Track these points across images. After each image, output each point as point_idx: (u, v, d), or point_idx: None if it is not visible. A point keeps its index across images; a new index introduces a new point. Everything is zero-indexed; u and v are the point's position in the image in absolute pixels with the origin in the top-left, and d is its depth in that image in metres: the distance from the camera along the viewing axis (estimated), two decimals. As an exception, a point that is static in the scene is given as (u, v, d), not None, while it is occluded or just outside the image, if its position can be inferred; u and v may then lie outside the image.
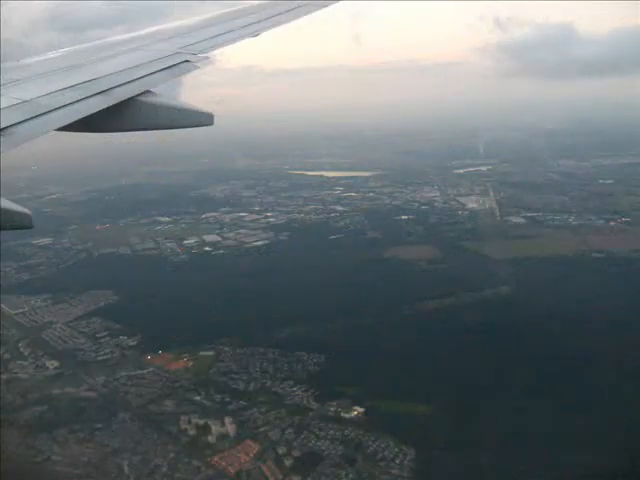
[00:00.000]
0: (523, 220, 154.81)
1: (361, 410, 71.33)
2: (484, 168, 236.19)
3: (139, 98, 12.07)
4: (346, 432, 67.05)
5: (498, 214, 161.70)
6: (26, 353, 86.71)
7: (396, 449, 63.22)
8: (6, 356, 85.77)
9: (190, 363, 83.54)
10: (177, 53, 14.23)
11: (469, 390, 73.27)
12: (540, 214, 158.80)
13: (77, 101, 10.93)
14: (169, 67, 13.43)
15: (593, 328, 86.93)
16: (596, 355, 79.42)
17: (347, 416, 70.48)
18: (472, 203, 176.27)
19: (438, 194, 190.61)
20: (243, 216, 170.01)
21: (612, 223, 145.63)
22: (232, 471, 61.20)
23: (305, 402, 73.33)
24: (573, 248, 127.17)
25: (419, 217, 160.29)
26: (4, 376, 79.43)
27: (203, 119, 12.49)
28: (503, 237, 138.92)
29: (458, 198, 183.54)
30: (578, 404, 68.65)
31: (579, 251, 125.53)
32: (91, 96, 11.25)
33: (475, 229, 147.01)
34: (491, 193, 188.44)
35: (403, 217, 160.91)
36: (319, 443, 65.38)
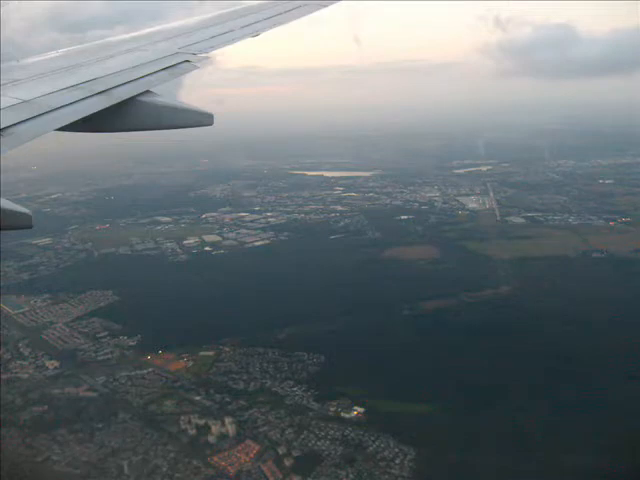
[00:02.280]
0: (523, 220, 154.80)
1: (361, 410, 71.39)
2: (484, 168, 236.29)
3: (139, 98, 12.07)
4: (346, 432, 67.09)
5: (498, 214, 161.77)
6: (26, 353, 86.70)
7: (396, 449, 63.24)
8: (6, 356, 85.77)
9: (190, 363, 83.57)
10: (177, 53, 14.23)
11: (469, 390, 73.33)
12: (540, 214, 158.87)
13: (77, 101, 10.93)
14: (169, 67, 13.42)
15: (593, 328, 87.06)
16: (596, 355, 79.50)
17: (347, 416, 70.53)
18: (472, 203, 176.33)
19: (438, 194, 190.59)
20: (243, 216, 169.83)
21: (612, 223, 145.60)
22: (232, 471, 61.22)
23: (305, 402, 73.38)
24: (573, 248, 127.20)
25: (419, 217, 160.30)
26: (4, 376, 79.43)
27: (203, 119, 12.49)
28: (503, 237, 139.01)
29: (458, 198, 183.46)
30: (578, 404, 68.69)
31: (579, 251, 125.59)
32: (91, 96, 11.25)
33: (475, 229, 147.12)
34: (491, 193, 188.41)
35: (403, 217, 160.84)
36: (319, 443, 65.42)
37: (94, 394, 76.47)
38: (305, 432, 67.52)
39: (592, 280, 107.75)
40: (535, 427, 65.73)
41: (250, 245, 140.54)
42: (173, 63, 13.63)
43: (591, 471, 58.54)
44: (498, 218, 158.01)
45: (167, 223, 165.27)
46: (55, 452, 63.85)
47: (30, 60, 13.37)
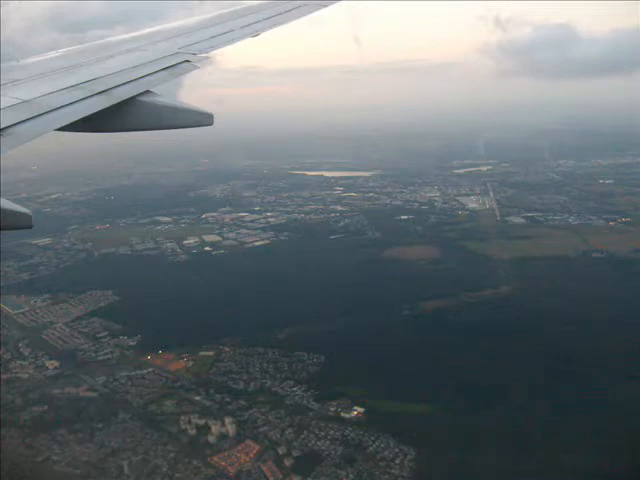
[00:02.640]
0: (523, 220, 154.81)
1: (361, 410, 71.42)
2: (484, 168, 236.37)
3: (139, 98, 12.08)
4: (346, 432, 67.12)
5: (498, 214, 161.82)
6: (26, 353, 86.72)
7: (396, 449, 63.26)
8: (6, 356, 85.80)
9: (190, 363, 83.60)
10: (177, 53, 14.24)
11: (469, 390, 73.36)
12: (540, 214, 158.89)
13: (77, 101, 10.93)
14: (169, 67, 13.43)
15: (593, 328, 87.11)
16: (596, 355, 79.54)
17: (347, 416, 70.56)
18: (472, 203, 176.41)
19: (438, 194, 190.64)
20: (243, 216, 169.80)
21: (612, 223, 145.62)
22: (232, 471, 61.24)
23: (305, 402, 73.41)
24: (573, 248, 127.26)
25: (419, 217, 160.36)
26: (4, 376, 79.47)
27: (203, 119, 12.50)
28: (503, 237, 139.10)
29: (458, 198, 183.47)
30: (578, 404, 68.70)
31: (579, 251, 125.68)
32: (91, 96, 11.25)
33: (475, 229, 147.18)
34: (491, 193, 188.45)
35: (403, 217, 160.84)
36: (319, 443, 65.44)
37: (94, 394, 76.54)
38: (305, 432, 67.58)
39: (592, 280, 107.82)
40: (535, 427, 65.78)
41: (250, 245, 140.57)
42: (173, 63, 13.64)
43: (591, 471, 58.58)
44: (498, 218, 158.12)
45: (167, 223, 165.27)
46: (55, 452, 63.91)
47: (30, 60, 13.37)
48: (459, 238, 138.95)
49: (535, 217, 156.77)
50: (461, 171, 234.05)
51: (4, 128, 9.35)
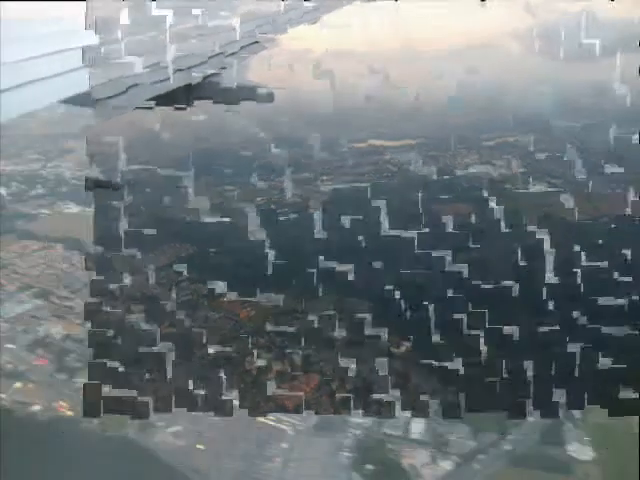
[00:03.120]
0: (543, 187, 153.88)
1: (409, 345, 71.77)
2: (511, 139, 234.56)
3: (213, 77, 12.16)
4: (394, 365, 67.54)
5: (520, 181, 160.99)
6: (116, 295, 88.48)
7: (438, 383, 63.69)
8: (91, 299, 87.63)
9: (253, 312, 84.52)
10: (247, 37, 14.28)
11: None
12: (560, 181, 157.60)
13: (159, 81, 11.01)
14: (240, 48, 13.51)
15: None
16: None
17: (396, 351, 70.89)
18: (498, 170, 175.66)
19: (469, 160, 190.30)
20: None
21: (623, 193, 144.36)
22: (290, 405, 61.94)
23: (356, 339, 74.01)
24: (586, 213, 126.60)
25: (453, 182, 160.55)
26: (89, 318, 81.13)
27: (266, 96, 12.67)
28: (526, 202, 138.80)
29: (486, 166, 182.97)
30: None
31: (591, 216, 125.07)
32: (170, 76, 11.31)
33: (500, 194, 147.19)
34: (515, 162, 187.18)
35: (434, 178, 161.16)
36: (370, 376, 65.90)
37: (173, 329, 78.09)
38: (357, 365, 68.16)
39: (604, 244, 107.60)
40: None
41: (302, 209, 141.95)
42: (243, 45, 13.70)
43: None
44: (520, 185, 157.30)
45: (233, 190, 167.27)
46: (134, 387, 65.19)
47: (116, 42, 13.41)
48: (488, 199, 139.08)
49: (556, 183, 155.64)
50: (491, 143, 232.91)
51: (95, 101, 9.42)
